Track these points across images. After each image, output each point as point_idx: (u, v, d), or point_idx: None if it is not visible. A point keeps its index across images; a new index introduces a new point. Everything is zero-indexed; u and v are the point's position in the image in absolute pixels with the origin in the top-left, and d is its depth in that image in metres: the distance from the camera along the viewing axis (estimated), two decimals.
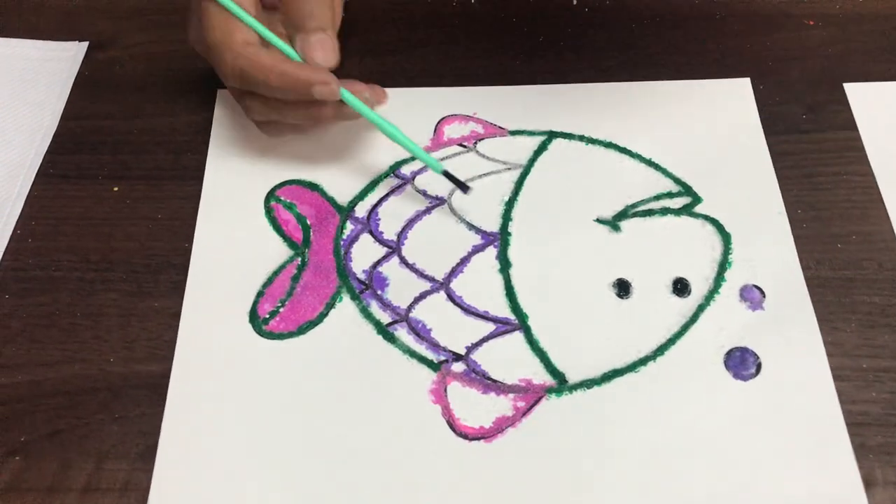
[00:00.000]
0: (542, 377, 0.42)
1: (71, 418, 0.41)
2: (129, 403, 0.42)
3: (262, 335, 0.43)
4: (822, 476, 0.38)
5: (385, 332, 0.43)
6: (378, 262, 0.46)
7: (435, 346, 0.43)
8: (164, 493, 0.39)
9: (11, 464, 0.40)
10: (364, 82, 0.46)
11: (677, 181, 0.48)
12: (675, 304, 0.44)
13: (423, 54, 0.55)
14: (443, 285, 0.45)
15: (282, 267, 0.46)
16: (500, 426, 0.40)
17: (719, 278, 0.45)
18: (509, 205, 0.48)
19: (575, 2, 0.58)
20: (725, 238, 0.46)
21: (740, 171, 0.49)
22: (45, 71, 0.55)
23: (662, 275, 0.45)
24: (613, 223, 0.47)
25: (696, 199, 0.48)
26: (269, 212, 0.48)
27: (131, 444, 0.40)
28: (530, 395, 0.41)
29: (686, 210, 0.47)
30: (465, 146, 0.51)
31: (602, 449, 0.39)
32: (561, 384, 0.41)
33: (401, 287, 0.45)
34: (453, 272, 0.45)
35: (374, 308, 0.44)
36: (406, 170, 0.49)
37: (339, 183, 0.49)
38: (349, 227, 0.47)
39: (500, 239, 0.46)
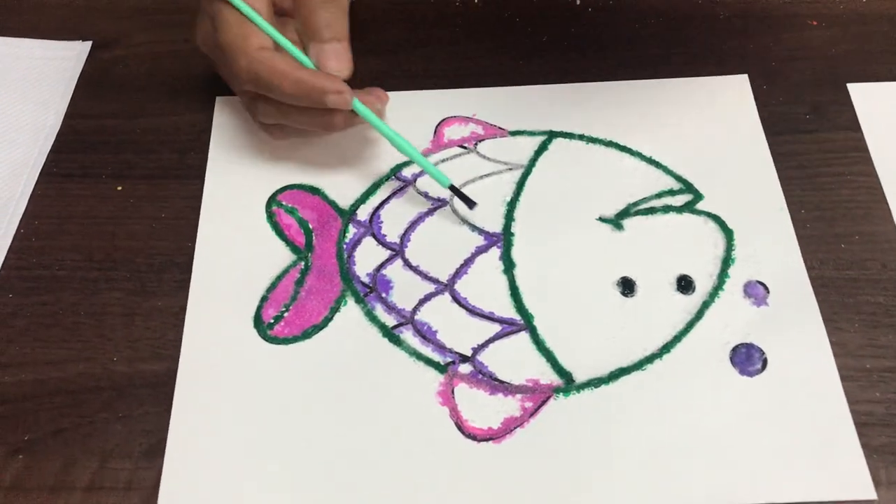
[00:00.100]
0: (549, 377, 0.42)
1: (75, 417, 0.41)
2: (132, 402, 0.41)
3: (266, 340, 0.43)
4: (829, 471, 0.39)
5: (391, 334, 0.43)
6: (382, 265, 0.46)
7: (441, 347, 0.43)
8: (173, 495, 0.39)
9: (15, 462, 0.40)
10: (364, 85, 0.47)
11: (678, 178, 0.49)
12: (679, 302, 0.44)
13: (426, 54, 0.55)
14: (447, 287, 0.45)
15: (285, 271, 0.46)
16: (509, 427, 0.40)
17: (723, 275, 0.45)
18: (511, 205, 0.48)
19: (578, 1, 0.58)
20: (728, 234, 0.46)
21: (740, 168, 0.49)
22: (48, 70, 0.55)
23: (666, 272, 0.45)
24: (616, 222, 0.47)
25: (698, 197, 0.48)
26: (270, 217, 0.48)
27: (135, 443, 0.40)
28: (538, 396, 0.41)
29: (688, 207, 0.47)
30: (465, 147, 0.51)
31: (610, 447, 0.39)
32: (568, 384, 0.41)
33: (405, 289, 0.45)
34: (457, 273, 0.45)
35: (379, 311, 0.44)
36: (407, 172, 0.49)
37: (340, 186, 0.49)
38: (352, 230, 0.47)
39: (504, 239, 0.46)
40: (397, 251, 0.46)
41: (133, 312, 0.44)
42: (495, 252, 0.46)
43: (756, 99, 0.52)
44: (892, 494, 0.38)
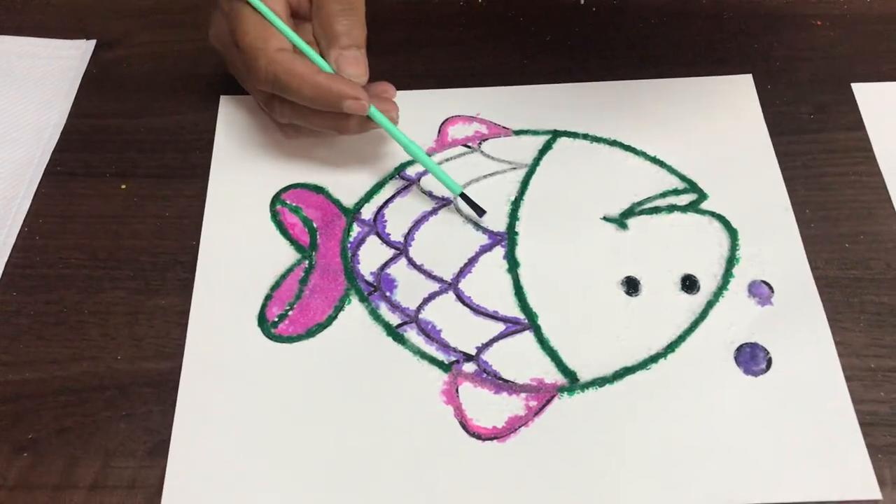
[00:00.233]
0: (553, 376, 0.42)
1: (79, 416, 0.41)
2: (136, 401, 0.41)
3: (271, 338, 0.43)
4: (834, 470, 0.38)
5: (395, 333, 0.43)
6: (386, 264, 0.46)
7: (445, 346, 0.43)
8: (177, 493, 0.39)
9: (19, 461, 0.40)
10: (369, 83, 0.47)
11: (683, 178, 0.49)
12: (684, 301, 0.44)
13: (430, 53, 0.55)
14: (451, 286, 0.45)
15: (289, 270, 0.46)
16: (513, 426, 0.40)
17: (727, 274, 0.45)
18: (515, 204, 0.48)
19: (582, 1, 0.58)
20: (732, 234, 0.46)
21: (745, 167, 0.49)
22: (52, 69, 0.55)
23: (671, 272, 0.45)
24: (620, 221, 0.47)
25: (702, 196, 0.48)
26: (274, 216, 0.48)
27: (139, 442, 0.40)
28: (542, 395, 0.41)
29: (692, 207, 0.47)
30: (469, 147, 0.51)
31: (615, 447, 0.39)
32: (573, 383, 0.41)
33: (409, 288, 0.45)
34: (461, 272, 0.45)
35: (383, 310, 0.44)
36: (411, 171, 0.49)
37: (345, 185, 0.49)
38: (356, 229, 0.47)
39: (508, 238, 0.46)
40: (401, 250, 0.46)
41: (137, 311, 0.44)
42: (499, 251, 0.46)
43: (760, 99, 0.52)
44: None
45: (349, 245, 0.47)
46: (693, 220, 0.47)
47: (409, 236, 0.47)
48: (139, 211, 0.48)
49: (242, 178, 0.49)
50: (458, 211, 0.48)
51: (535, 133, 0.51)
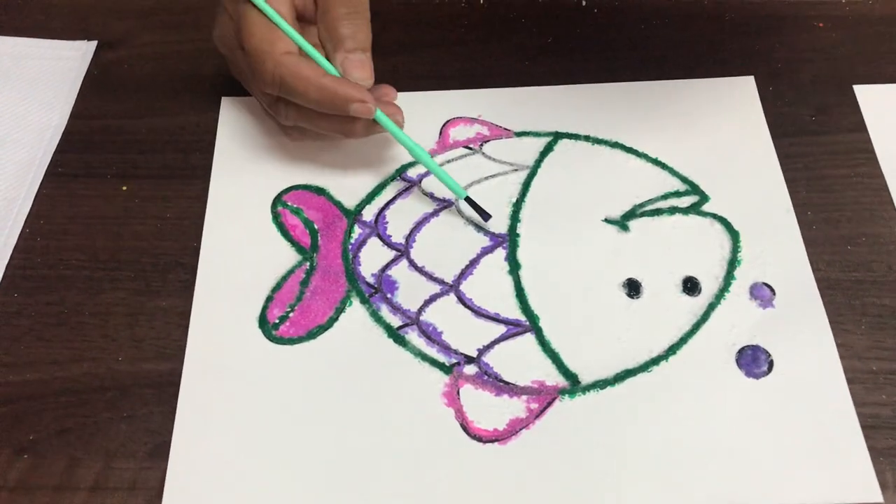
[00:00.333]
0: (554, 378, 0.42)
1: (79, 417, 0.41)
2: (137, 402, 0.41)
3: (272, 340, 0.43)
4: (835, 473, 0.38)
5: (396, 335, 0.43)
6: (387, 266, 0.46)
7: (446, 348, 0.43)
8: (178, 495, 0.39)
9: (20, 462, 0.40)
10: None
11: (684, 180, 0.48)
12: (685, 303, 0.44)
13: (431, 55, 0.55)
14: (452, 288, 0.45)
15: (290, 272, 0.46)
16: (514, 428, 0.40)
17: (729, 276, 0.45)
18: (517, 206, 0.48)
19: (584, 2, 0.58)
20: (734, 236, 0.46)
21: (746, 169, 0.49)
22: (53, 70, 0.55)
23: (672, 274, 0.45)
24: (622, 223, 0.47)
25: (704, 198, 0.48)
26: (276, 217, 0.48)
27: (139, 443, 0.40)
28: (543, 397, 0.41)
29: (694, 209, 0.47)
30: (471, 148, 0.50)
31: (616, 449, 0.39)
32: (574, 385, 0.41)
33: (410, 290, 0.45)
34: (463, 274, 0.45)
35: (385, 312, 0.44)
36: (413, 172, 0.49)
37: (346, 187, 0.49)
38: (357, 230, 0.47)
39: (509, 240, 0.46)
40: (403, 252, 0.46)
41: (138, 312, 0.44)
42: (501, 253, 0.46)
43: (762, 100, 0.52)
44: None
45: (350, 247, 0.47)
46: (694, 222, 0.47)
47: (410, 238, 0.47)
48: (140, 212, 0.48)
49: (244, 179, 0.49)
50: (460, 213, 0.48)
51: (537, 135, 0.51)
